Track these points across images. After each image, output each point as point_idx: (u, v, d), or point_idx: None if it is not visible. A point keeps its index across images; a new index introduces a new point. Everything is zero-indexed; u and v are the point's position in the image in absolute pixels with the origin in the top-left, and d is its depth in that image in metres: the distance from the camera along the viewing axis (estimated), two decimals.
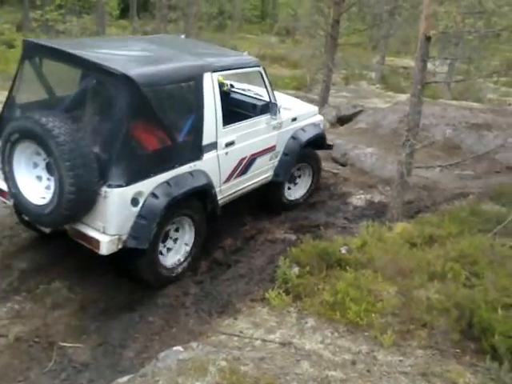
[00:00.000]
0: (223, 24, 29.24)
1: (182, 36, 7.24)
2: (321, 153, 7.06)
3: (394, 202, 6.09)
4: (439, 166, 6.44)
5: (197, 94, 4.88)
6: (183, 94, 4.94)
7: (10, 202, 4.68)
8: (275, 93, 5.99)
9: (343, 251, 5.08)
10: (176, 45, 5.83)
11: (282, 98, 6.40)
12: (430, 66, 6.31)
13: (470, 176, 7.42)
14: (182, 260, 5.11)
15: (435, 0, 5.41)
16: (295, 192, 6.77)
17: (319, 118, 6.91)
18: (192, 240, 5.15)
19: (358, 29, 14.98)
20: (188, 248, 5.15)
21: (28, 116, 4.28)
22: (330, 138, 8.25)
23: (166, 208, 4.53)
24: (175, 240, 5.08)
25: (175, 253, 5.10)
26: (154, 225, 4.48)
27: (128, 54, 4.87)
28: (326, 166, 7.64)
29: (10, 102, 4.85)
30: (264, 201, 6.47)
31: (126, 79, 4.21)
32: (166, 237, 4.94)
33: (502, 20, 5.13)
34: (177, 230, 5.05)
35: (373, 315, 4.12)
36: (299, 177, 6.82)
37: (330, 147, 7.14)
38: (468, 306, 4.07)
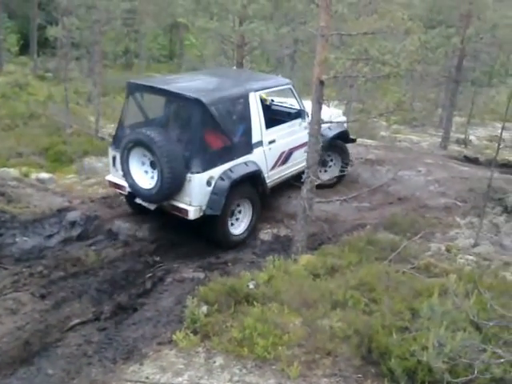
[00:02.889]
0: (130, 63, 29.09)
1: (234, 67, 10.01)
2: None
3: (298, 236, 6.30)
4: (338, 199, 6.78)
5: (245, 107, 6.87)
6: (237, 109, 6.86)
7: (125, 193, 6.84)
8: (305, 102, 7.65)
9: (251, 286, 5.15)
10: (229, 74, 8.30)
11: (311, 105, 7.77)
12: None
13: (367, 208, 7.85)
14: (243, 230, 6.97)
15: (326, 48, 5.79)
16: (329, 173, 8.50)
17: (343, 118, 8.87)
18: (250, 216, 7.03)
19: (263, 70, 15.51)
20: (248, 222, 7.02)
21: (138, 131, 6.36)
22: None
23: (229, 186, 6.40)
24: (238, 218, 6.96)
25: (239, 225, 6.97)
26: (222, 198, 6.34)
27: (197, 84, 6.96)
28: None
29: (120, 125, 6.95)
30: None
31: (198, 102, 6.21)
32: (233, 214, 6.85)
33: (385, 66, 5.59)
34: (239, 212, 6.96)
35: (280, 348, 4.19)
36: (331, 161, 8.62)
37: (353, 140, 8.87)
38: (367, 331, 4.27)
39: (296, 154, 7.66)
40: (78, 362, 4.40)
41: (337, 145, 8.39)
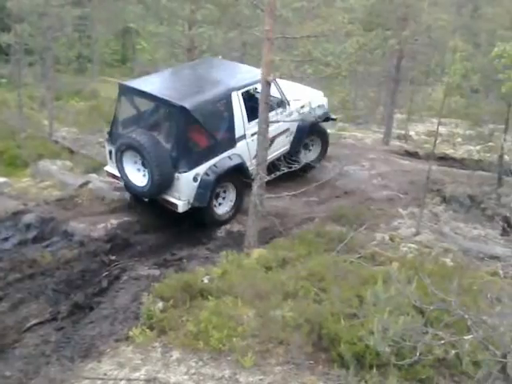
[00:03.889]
0: (83, 67, 28.29)
1: (220, 57, 9.38)
2: None
3: (250, 231, 6.28)
4: (287, 194, 6.80)
5: (228, 107, 7.06)
6: (219, 109, 7.06)
7: (121, 182, 7.11)
8: (289, 83, 8.00)
9: (205, 281, 5.09)
10: (213, 71, 8.04)
11: (293, 87, 8.38)
12: None
13: (315, 202, 7.91)
14: (228, 210, 7.27)
15: (272, 50, 5.79)
16: (311, 155, 8.75)
17: (323, 100, 8.79)
18: (234, 198, 7.30)
19: None
20: (232, 203, 7.30)
21: (128, 136, 6.72)
22: None
23: (214, 181, 6.80)
24: (223, 198, 7.24)
25: (224, 206, 7.25)
26: (208, 192, 6.75)
27: (182, 87, 7.29)
28: None
29: (114, 121, 7.24)
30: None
31: (183, 109, 6.49)
32: (218, 196, 7.13)
33: (327, 67, 5.64)
34: (224, 192, 7.21)
35: (234, 339, 4.15)
36: (312, 145, 8.85)
37: (334, 119, 9.19)
38: (317, 320, 4.28)
39: (278, 141, 7.92)
40: (36, 362, 4.26)
41: (317, 128, 8.62)
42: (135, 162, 6.76)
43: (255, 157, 7.11)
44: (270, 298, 4.71)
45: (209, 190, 6.73)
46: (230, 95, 7.04)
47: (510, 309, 3.29)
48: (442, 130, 10.00)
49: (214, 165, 6.83)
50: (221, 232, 7.05)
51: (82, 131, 13.34)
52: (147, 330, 4.28)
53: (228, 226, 7.16)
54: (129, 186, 6.95)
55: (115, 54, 32.88)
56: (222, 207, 7.26)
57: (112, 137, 7.16)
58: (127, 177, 6.80)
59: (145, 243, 6.63)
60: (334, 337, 4.08)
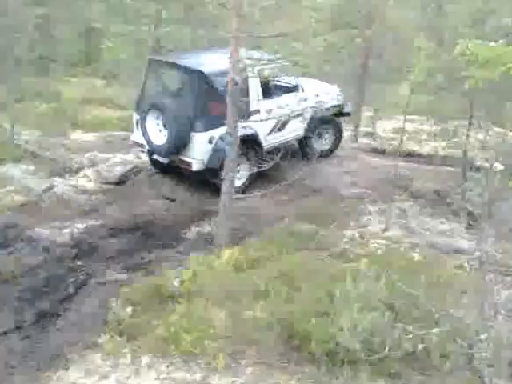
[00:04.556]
0: (46, 68, 27.69)
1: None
2: (150, 191, 7.30)
3: (220, 231, 6.26)
4: (257, 194, 6.81)
5: (244, 80, 6.89)
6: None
7: (145, 150, 8.03)
8: (309, 79, 8.79)
9: (175, 284, 5.06)
10: None
11: (311, 82, 9.05)
12: None
13: (286, 200, 7.93)
14: (242, 183, 7.86)
15: (239, 50, 5.79)
16: (325, 144, 9.37)
17: (339, 94, 9.36)
18: (248, 170, 7.91)
19: None
20: (246, 177, 7.95)
21: (153, 98, 7.62)
22: (158, 177, 8.29)
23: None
24: (238, 171, 7.39)
25: (238, 179, 7.54)
26: (221, 155, 6.82)
27: (204, 59, 7.93)
28: (156, 202, 7.59)
29: (141, 94, 8.03)
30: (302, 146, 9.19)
31: (200, 73, 7.27)
32: None
33: (295, 67, 5.67)
34: (238, 165, 7.18)
35: (205, 342, 4.14)
36: (326, 135, 9.37)
37: (348, 114, 9.76)
38: (288, 319, 4.31)
39: (292, 123, 8.57)
40: (0, 374, 4.13)
41: (332, 119, 9.18)
42: (157, 124, 7.52)
43: (270, 133, 8.24)
44: (241, 299, 4.73)
45: (222, 153, 7.00)
46: (246, 69, 7.48)
47: (475, 301, 3.38)
48: (408, 127, 10.13)
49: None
50: (191, 234, 7.00)
51: (46, 134, 13.05)
52: (116, 336, 4.23)
53: (198, 228, 7.12)
54: (150, 146, 7.70)
55: (79, 54, 32.29)
56: (237, 180, 7.58)
57: (139, 107, 7.98)
58: (149, 137, 7.59)
59: (112, 247, 6.51)
60: (306, 335, 4.13)
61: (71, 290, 5.45)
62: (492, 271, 5.97)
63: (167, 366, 3.92)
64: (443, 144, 10.25)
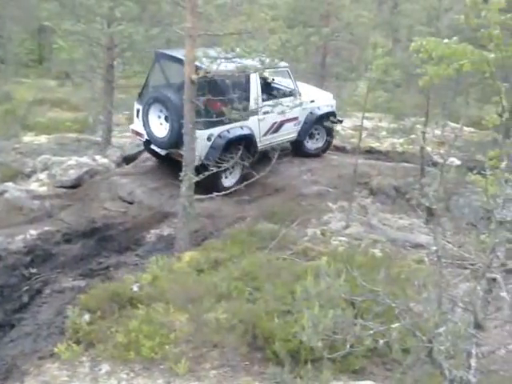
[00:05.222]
0: None
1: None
2: (107, 194, 7.02)
3: (180, 234, 6.20)
4: (217, 194, 6.78)
5: (246, 81, 8.08)
6: (237, 81, 7.91)
7: (143, 139, 8.32)
8: (304, 84, 9.67)
9: (135, 289, 4.97)
10: None
11: (307, 87, 9.83)
12: None
13: (247, 200, 7.94)
14: (234, 183, 8.07)
15: (195, 48, 5.75)
16: (316, 143, 9.92)
17: (332, 101, 9.99)
18: (240, 170, 8.18)
19: (137, 71, 15.02)
20: (238, 176, 8.25)
21: (157, 91, 7.89)
22: (116, 179, 8.13)
23: (226, 143, 7.81)
24: (230, 173, 8.18)
25: (231, 179, 8.23)
26: (218, 152, 7.66)
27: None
28: (113, 205, 7.44)
29: (145, 85, 8.34)
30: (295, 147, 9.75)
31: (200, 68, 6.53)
32: (226, 171, 7.91)
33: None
34: (232, 167, 7.86)
35: (167, 347, 4.09)
36: (318, 134, 9.91)
37: (340, 122, 9.86)
38: (251, 319, 4.30)
39: (286, 126, 9.05)
40: None
41: (324, 123, 9.21)
42: (159, 117, 7.81)
43: (265, 134, 8.67)
44: (202, 302, 4.68)
45: (219, 150, 7.70)
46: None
47: (433, 295, 3.45)
48: (367, 124, 10.32)
49: (227, 130, 7.85)
50: (150, 237, 6.92)
51: None
52: (73, 345, 4.11)
53: (158, 231, 7.04)
54: (151, 137, 8.00)
55: (31, 54, 31.39)
56: (229, 180, 8.23)
57: (141, 97, 8.26)
58: (150, 128, 7.87)
59: (68, 253, 6.37)
60: (269, 335, 4.13)
61: (26, 299, 5.30)
62: (450, 265, 6.17)
63: (127, 374, 3.85)
64: (401, 140, 10.47)
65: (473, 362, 3.31)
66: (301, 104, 8.58)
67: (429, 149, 9.84)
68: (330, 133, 9.82)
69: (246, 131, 8.17)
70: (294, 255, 6.02)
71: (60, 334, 4.44)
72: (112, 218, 7.10)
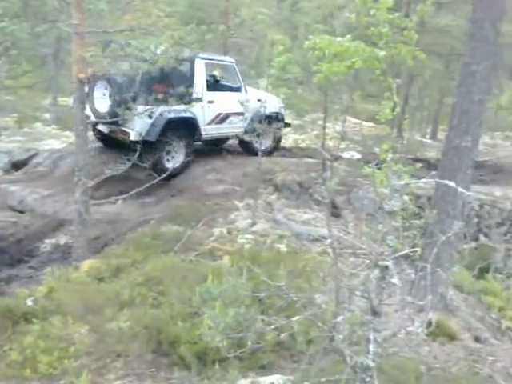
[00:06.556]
0: None
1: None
2: None
3: (77, 242, 6.00)
4: (116, 198, 6.62)
5: (191, 68, 8.86)
6: (182, 68, 8.62)
7: (91, 122, 8.23)
8: (254, 89, 10.47)
9: (29, 303, 4.74)
10: None
11: (255, 90, 10.49)
12: None
13: (150, 203, 7.84)
14: (176, 165, 8.68)
15: (82, 45, 5.57)
16: (264, 143, 9.54)
17: (280, 104, 10.33)
18: (183, 154, 8.88)
19: (26, 71, 14.28)
20: (181, 160, 8.86)
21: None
22: (4, 187, 7.68)
23: (166, 122, 8.35)
24: (173, 157, 8.75)
25: (173, 162, 8.72)
26: (159, 129, 8.25)
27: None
28: (1, 215, 7.03)
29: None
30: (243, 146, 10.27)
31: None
32: (169, 153, 8.67)
33: (144, 63, 5.60)
34: (174, 150, 8.70)
35: (66, 361, 3.94)
36: (266, 134, 9.62)
37: (288, 125, 10.83)
38: (155, 325, 4.26)
39: (232, 119, 9.70)
40: None
41: (271, 124, 9.61)
42: (104, 95, 8.14)
43: (210, 123, 9.28)
44: (103, 311, 4.57)
45: (159, 128, 8.25)
46: (194, 60, 8.86)
47: (333, 285, 3.63)
48: None
49: (169, 110, 8.39)
50: (45, 247, 6.62)
51: None
52: None
53: (53, 240, 6.75)
54: (94, 112, 8.16)
55: None
56: (171, 162, 8.71)
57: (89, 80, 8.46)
58: (95, 106, 8.16)
59: None
60: (174, 339, 4.12)
61: None
62: (352, 255, 6.50)
63: None
64: (303, 136, 10.86)
65: (371, 347, 3.52)
66: (247, 101, 8.98)
67: (330, 144, 10.28)
68: (277, 134, 10.39)
69: (188, 114, 8.76)
70: (200, 256, 6.02)
71: None
72: (1, 229, 6.70)
